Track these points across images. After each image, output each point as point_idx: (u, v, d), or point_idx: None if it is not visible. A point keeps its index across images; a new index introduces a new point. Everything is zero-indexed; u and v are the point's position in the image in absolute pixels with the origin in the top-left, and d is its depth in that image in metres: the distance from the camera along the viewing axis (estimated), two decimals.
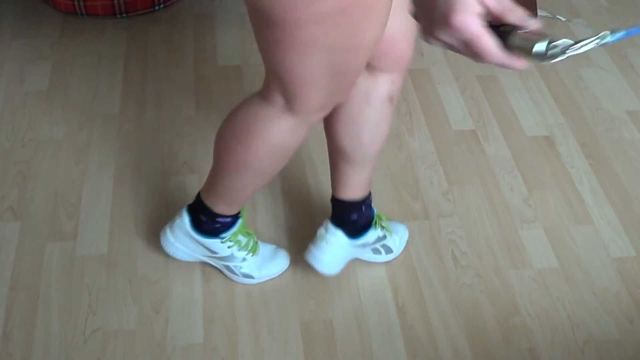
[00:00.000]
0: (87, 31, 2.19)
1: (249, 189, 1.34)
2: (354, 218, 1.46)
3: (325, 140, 1.39)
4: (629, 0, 2.52)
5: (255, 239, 1.52)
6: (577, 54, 0.75)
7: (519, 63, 0.79)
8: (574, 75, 2.17)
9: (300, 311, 1.50)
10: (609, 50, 2.27)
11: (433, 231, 1.67)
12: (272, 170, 1.29)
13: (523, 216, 1.73)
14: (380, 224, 1.52)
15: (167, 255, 1.57)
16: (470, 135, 1.94)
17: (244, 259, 1.49)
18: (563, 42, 0.76)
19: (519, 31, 0.78)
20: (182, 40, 2.18)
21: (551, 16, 2.41)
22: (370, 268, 1.58)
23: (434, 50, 2.21)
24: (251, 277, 1.52)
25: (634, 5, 2.50)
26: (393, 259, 1.59)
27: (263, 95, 1.16)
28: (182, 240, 1.46)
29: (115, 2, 2.20)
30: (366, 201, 1.46)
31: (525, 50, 0.77)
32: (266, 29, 1.01)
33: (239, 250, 1.47)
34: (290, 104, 1.12)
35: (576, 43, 0.75)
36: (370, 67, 1.21)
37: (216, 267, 1.54)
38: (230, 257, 1.48)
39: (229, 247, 1.46)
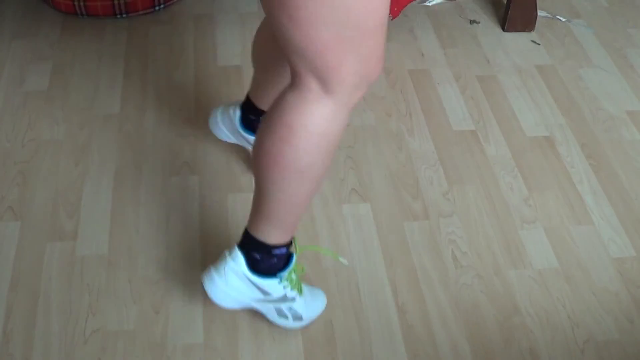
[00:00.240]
0: (87, 31, 2.19)
1: (299, 199, 1.22)
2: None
3: None
4: (629, 0, 2.52)
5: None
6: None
7: None
8: (574, 75, 2.17)
9: None
10: (609, 50, 2.27)
11: (433, 231, 1.67)
12: (322, 170, 1.19)
13: (523, 216, 1.73)
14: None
15: (167, 255, 1.58)
16: (470, 135, 1.94)
17: (294, 299, 1.37)
18: None
19: None
20: (182, 40, 2.18)
21: (551, 16, 2.42)
22: (370, 268, 1.58)
23: (434, 51, 2.22)
24: (301, 318, 1.41)
25: (634, 5, 2.50)
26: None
27: (295, 85, 1.10)
28: (233, 284, 1.31)
29: (116, 2, 2.20)
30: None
31: None
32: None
33: (291, 290, 1.36)
34: (324, 82, 1.06)
35: None
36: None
37: (262, 315, 1.42)
38: (284, 298, 1.36)
39: (284, 287, 1.34)
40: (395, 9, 2.17)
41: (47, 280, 1.51)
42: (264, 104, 1.55)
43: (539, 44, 2.28)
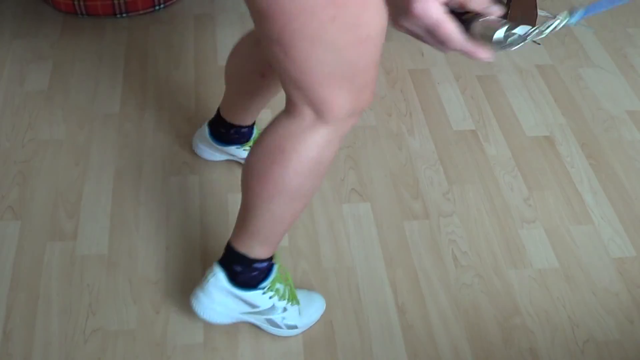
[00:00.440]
0: (87, 31, 2.19)
1: (286, 218, 1.24)
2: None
3: None
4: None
5: (292, 284, 1.43)
6: (541, 37, 0.74)
7: (484, 52, 0.78)
8: (574, 75, 2.17)
9: None
10: (609, 50, 2.27)
11: (433, 231, 1.67)
12: (311, 191, 1.21)
13: (523, 216, 1.73)
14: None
15: (167, 255, 1.58)
16: (470, 135, 1.94)
17: (284, 309, 1.40)
18: (521, 28, 0.75)
19: (480, 19, 0.77)
20: (182, 40, 2.18)
21: (551, 16, 2.41)
22: (370, 268, 1.58)
23: (434, 51, 2.21)
24: (295, 327, 1.43)
25: (634, 5, 2.50)
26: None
27: (289, 111, 1.12)
28: (218, 300, 1.34)
29: (116, 2, 2.20)
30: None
31: (486, 38, 0.76)
32: (264, 24, 0.99)
33: (279, 300, 1.38)
34: (318, 113, 1.08)
35: (536, 29, 0.74)
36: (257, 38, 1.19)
37: (257, 326, 1.45)
38: (272, 309, 1.38)
39: (270, 297, 1.36)
40: None
41: (47, 280, 1.51)
42: (230, 117, 1.64)
43: (539, 44, 2.28)
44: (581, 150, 1.91)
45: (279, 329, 1.42)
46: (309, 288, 1.54)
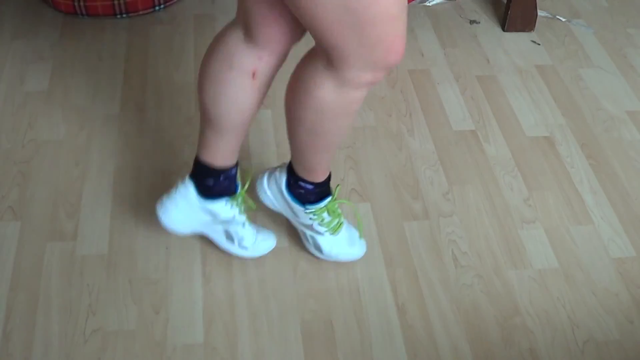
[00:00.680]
0: (87, 31, 2.19)
1: (296, 144, 1.36)
2: (209, 184, 1.42)
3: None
4: (629, 0, 2.52)
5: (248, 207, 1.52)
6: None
7: None
8: (574, 75, 2.17)
9: (300, 311, 1.49)
10: (609, 50, 2.27)
11: (433, 231, 1.67)
12: (328, 131, 1.29)
13: (523, 216, 1.73)
14: (243, 205, 1.48)
15: (167, 255, 1.58)
16: (470, 135, 1.94)
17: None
18: None
19: None
20: (182, 40, 2.18)
21: (551, 16, 2.42)
22: (370, 268, 1.58)
23: (434, 51, 2.22)
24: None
25: (634, 5, 2.50)
26: (254, 256, 1.56)
27: (313, 50, 1.20)
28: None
29: (116, 2, 2.20)
30: (227, 172, 1.43)
31: None
32: None
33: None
34: (329, 59, 1.14)
35: None
36: (248, 33, 1.23)
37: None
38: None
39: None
40: None
41: (47, 280, 1.52)
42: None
43: (539, 44, 2.28)
44: (581, 151, 1.91)
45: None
46: (309, 286, 1.54)
